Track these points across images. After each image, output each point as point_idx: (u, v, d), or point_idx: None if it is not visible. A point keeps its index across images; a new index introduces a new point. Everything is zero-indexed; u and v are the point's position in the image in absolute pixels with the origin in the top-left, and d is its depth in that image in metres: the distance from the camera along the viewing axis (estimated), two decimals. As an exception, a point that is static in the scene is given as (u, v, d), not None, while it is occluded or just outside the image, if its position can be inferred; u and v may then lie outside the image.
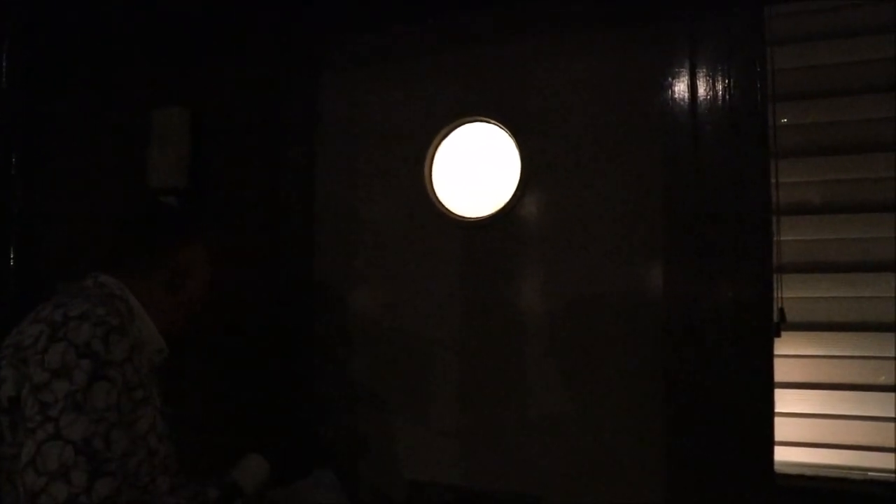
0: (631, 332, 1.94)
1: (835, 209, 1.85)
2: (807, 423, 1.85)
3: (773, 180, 1.84)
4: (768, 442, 1.79)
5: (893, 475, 1.76)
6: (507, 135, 2.10)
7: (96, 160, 2.21)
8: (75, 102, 2.22)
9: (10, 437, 1.30)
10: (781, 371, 1.83)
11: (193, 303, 1.61)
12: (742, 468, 1.80)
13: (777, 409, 1.81)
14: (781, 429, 1.82)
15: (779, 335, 1.81)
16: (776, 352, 1.81)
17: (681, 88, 1.93)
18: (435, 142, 2.17)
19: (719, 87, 1.88)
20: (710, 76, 1.90)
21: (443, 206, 2.16)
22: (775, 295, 1.82)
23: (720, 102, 1.88)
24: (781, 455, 1.82)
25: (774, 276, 1.82)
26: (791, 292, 1.83)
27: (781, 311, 1.82)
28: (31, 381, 1.27)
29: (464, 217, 2.14)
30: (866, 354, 1.82)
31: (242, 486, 1.66)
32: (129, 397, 1.31)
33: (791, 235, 1.86)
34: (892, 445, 1.77)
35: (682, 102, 1.92)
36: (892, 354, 1.78)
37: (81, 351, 1.27)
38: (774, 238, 1.83)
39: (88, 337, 1.29)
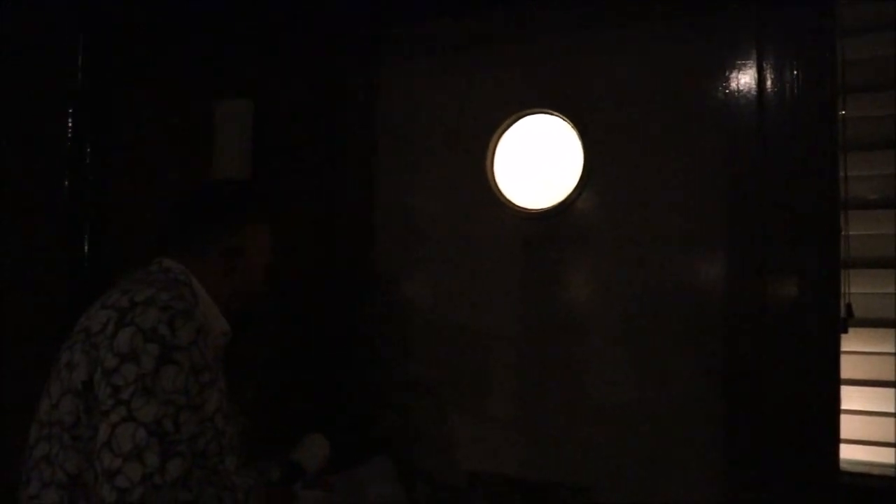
0: (692, 325, 1.93)
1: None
2: (873, 421, 1.82)
3: (841, 173, 1.81)
4: (833, 439, 1.77)
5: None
6: (570, 127, 2.10)
7: (164, 150, 2.25)
8: (144, 93, 2.27)
9: (85, 420, 1.34)
10: (847, 368, 1.80)
11: (250, 285, 1.60)
12: (805, 465, 1.78)
13: (843, 407, 1.78)
14: (846, 426, 1.79)
15: (845, 331, 1.79)
16: (842, 348, 1.79)
17: (746, 79, 1.91)
18: (497, 133, 2.18)
19: (786, 78, 1.86)
20: (777, 67, 1.88)
21: (504, 197, 2.17)
22: (842, 290, 1.79)
23: (787, 94, 1.86)
24: (846, 453, 1.79)
25: (842, 271, 1.79)
26: (858, 288, 1.80)
27: (849, 306, 1.79)
28: (102, 366, 1.31)
29: (525, 209, 2.14)
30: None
31: (304, 465, 1.67)
32: (196, 380, 1.33)
33: (859, 230, 1.83)
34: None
35: (747, 93, 1.91)
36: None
37: (149, 335, 1.30)
38: (842, 232, 1.80)
39: (155, 322, 1.32)
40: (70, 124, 2.06)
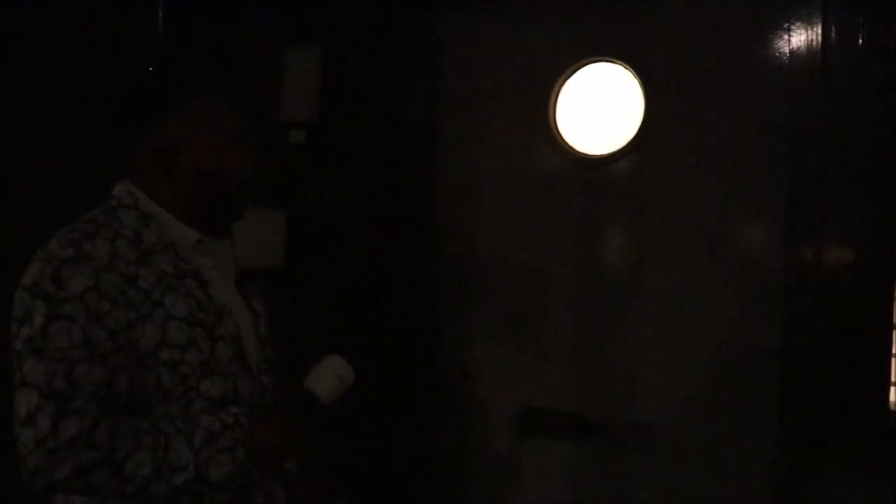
0: (748, 272, 2.00)
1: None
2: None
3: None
4: (885, 380, 1.84)
5: None
6: (632, 76, 2.15)
7: (235, 94, 2.33)
8: (219, 40, 2.35)
9: None
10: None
11: (209, 171, 1.44)
12: (857, 403, 1.86)
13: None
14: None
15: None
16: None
17: (810, 33, 1.93)
18: (559, 81, 2.23)
19: (852, 33, 1.88)
20: (842, 21, 1.89)
21: (566, 143, 2.23)
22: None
23: (852, 50, 1.88)
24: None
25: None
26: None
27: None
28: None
29: (586, 154, 2.20)
30: None
31: (318, 394, 1.44)
32: (102, 326, 1.27)
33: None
34: None
35: (811, 47, 1.93)
36: None
37: (34, 293, 1.27)
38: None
39: (38, 276, 1.28)
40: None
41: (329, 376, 1.45)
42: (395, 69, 2.38)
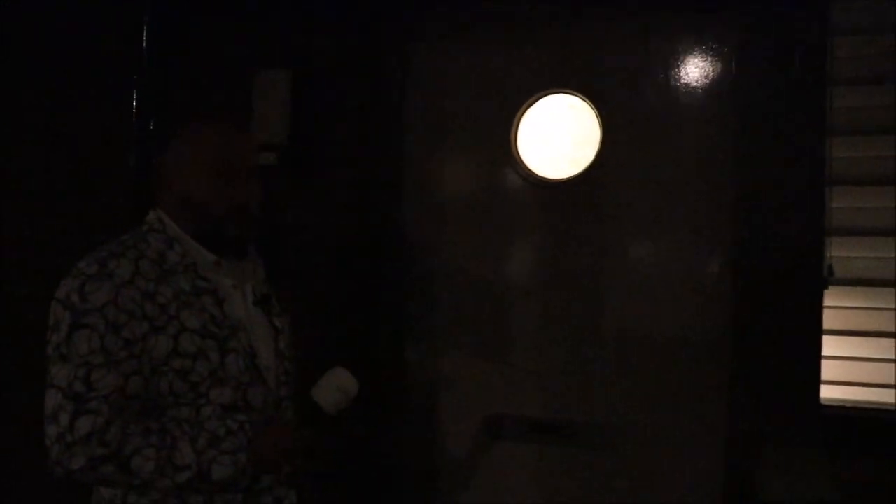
0: (698, 283, 2.23)
1: (882, 181, 2.14)
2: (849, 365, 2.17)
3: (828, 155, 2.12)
4: (817, 378, 2.10)
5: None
6: (588, 106, 2.35)
7: (208, 115, 2.40)
8: (192, 63, 2.42)
9: None
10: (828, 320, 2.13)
11: (191, 201, 1.58)
12: (793, 398, 2.11)
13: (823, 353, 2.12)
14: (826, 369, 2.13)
15: (826, 288, 2.12)
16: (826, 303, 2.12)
17: (751, 68, 2.17)
18: (521, 109, 2.41)
19: (786, 70, 2.13)
20: (776, 59, 2.15)
21: (527, 167, 2.40)
22: (826, 254, 2.11)
23: (786, 85, 2.14)
24: (825, 392, 2.13)
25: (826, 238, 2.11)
26: (837, 252, 2.13)
27: (829, 267, 2.11)
28: None
29: (547, 178, 2.39)
30: None
31: (322, 405, 1.53)
32: (118, 336, 1.41)
33: (840, 203, 2.15)
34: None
35: (752, 82, 2.17)
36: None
37: (63, 304, 1.44)
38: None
39: (67, 290, 1.44)
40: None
41: (333, 388, 1.54)
42: (363, 93, 2.49)
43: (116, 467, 1.39)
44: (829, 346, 2.13)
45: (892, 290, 2.12)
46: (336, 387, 1.55)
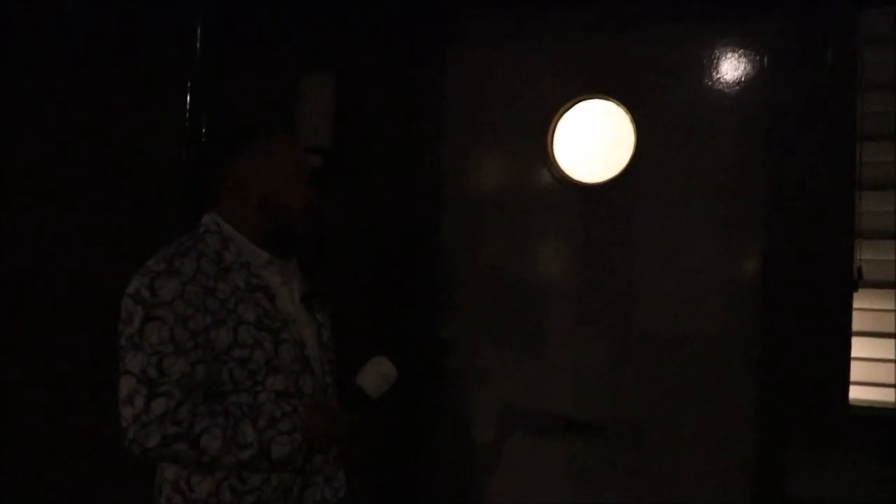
0: (729, 285, 2.28)
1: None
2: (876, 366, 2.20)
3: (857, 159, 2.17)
4: (846, 380, 2.14)
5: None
6: (623, 111, 2.42)
7: (256, 120, 2.51)
8: (243, 69, 2.52)
9: None
10: (857, 321, 2.17)
11: (270, 202, 1.73)
12: (822, 399, 2.15)
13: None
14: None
15: (856, 290, 2.16)
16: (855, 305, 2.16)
17: (783, 74, 2.22)
18: (557, 114, 2.48)
19: (817, 76, 2.19)
20: (808, 65, 2.20)
21: (563, 171, 2.48)
22: (855, 256, 2.16)
23: (817, 91, 2.19)
24: (854, 393, 2.17)
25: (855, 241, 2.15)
26: (867, 255, 2.17)
27: (859, 269, 2.15)
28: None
29: (581, 181, 2.46)
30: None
31: (367, 390, 1.68)
32: (186, 327, 1.54)
33: (870, 207, 2.19)
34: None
35: (783, 87, 2.22)
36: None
37: (135, 299, 1.55)
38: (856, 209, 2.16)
39: (138, 286, 1.56)
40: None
41: (376, 374, 1.70)
42: (404, 97, 2.58)
43: (188, 445, 1.52)
44: (858, 347, 2.17)
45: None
46: (379, 373, 1.70)
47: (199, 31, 2.32)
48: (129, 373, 1.52)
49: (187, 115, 2.36)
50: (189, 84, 2.34)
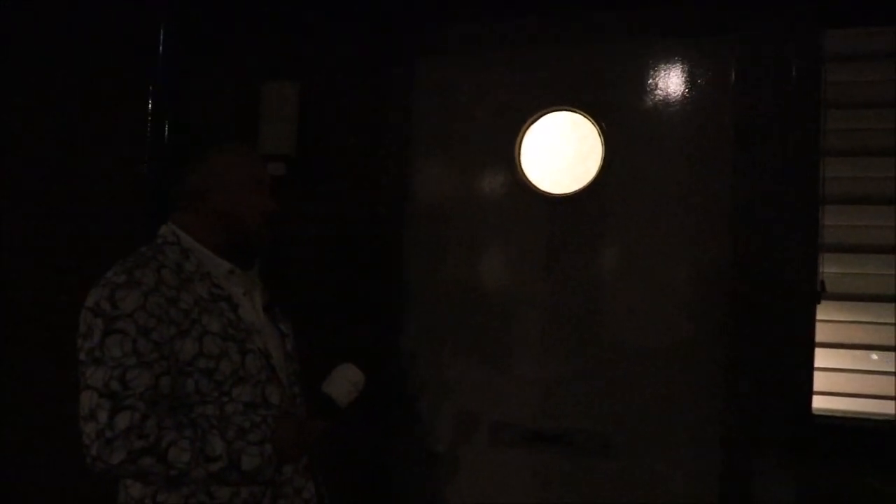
0: (696, 297, 2.31)
1: (871, 201, 2.24)
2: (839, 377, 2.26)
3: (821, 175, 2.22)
4: (810, 389, 2.19)
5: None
6: (591, 123, 2.43)
7: (218, 126, 2.45)
8: (206, 75, 2.46)
9: None
10: (820, 333, 2.22)
11: (227, 213, 1.71)
12: (786, 408, 2.19)
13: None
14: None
15: (819, 302, 2.21)
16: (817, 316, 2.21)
17: (749, 89, 2.26)
18: (525, 125, 2.48)
19: (782, 92, 2.23)
20: (772, 83, 2.24)
21: (530, 182, 2.47)
22: (819, 269, 2.21)
23: (782, 106, 2.23)
24: (817, 403, 2.23)
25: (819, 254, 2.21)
26: (829, 268, 2.22)
27: (822, 282, 2.21)
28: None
29: (549, 193, 2.46)
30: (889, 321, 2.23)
31: (335, 398, 1.66)
32: (148, 338, 1.50)
33: (833, 221, 2.24)
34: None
35: (749, 102, 2.26)
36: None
37: (95, 312, 1.52)
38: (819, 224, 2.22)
39: (97, 298, 1.53)
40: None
41: (344, 381, 1.68)
42: (369, 106, 2.55)
43: (155, 459, 1.46)
44: (821, 358, 2.22)
45: (882, 305, 2.22)
46: (346, 380, 1.68)
47: (161, 37, 2.24)
48: (91, 388, 1.47)
49: (148, 122, 2.28)
50: (150, 89, 2.27)
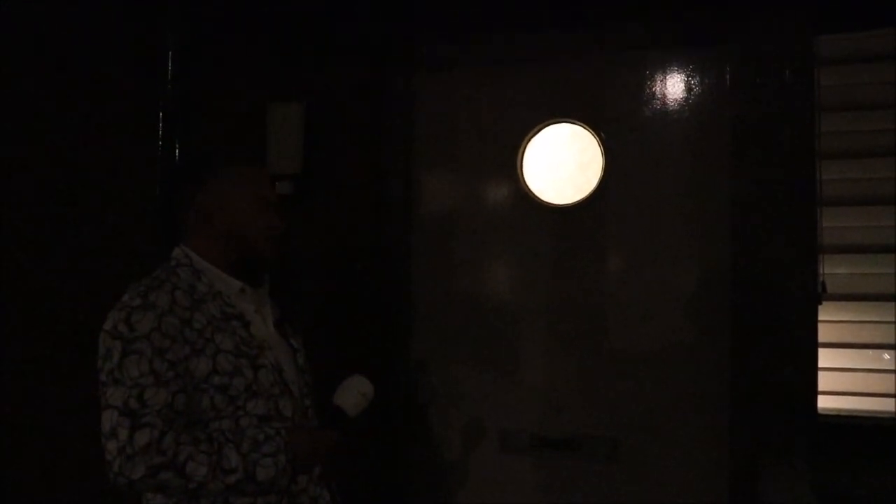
0: (699, 301, 2.34)
1: (868, 202, 2.27)
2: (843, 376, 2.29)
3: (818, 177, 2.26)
4: (814, 390, 2.22)
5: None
6: (591, 134, 2.48)
7: (225, 147, 2.50)
8: (214, 97, 2.52)
9: None
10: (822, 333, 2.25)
11: (239, 236, 1.75)
12: (791, 408, 2.22)
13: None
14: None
15: (820, 303, 2.24)
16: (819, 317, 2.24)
17: (745, 96, 2.30)
18: (526, 137, 2.53)
19: (775, 96, 2.27)
20: (768, 89, 2.28)
21: (533, 193, 2.52)
22: (819, 271, 2.24)
23: (778, 111, 2.27)
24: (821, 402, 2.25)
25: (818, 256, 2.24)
26: (830, 269, 2.26)
27: (823, 283, 2.24)
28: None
29: (551, 203, 2.51)
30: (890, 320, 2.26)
31: (345, 409, 1.72)
32: (164, 358, 1.56)
33: (831, 223, 2.28)
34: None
35: (745, 108, 2.30)
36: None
37: (112, 334, 1.58)
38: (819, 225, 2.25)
39: (115, 322, 1.59)
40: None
41: (354, 393, 1.75)
42: (372, 122, 2.61)
43: (174, 473, 1.52)
44: (824, 358, 2.25)
45: (883, 304, 2.25)
46: (356, 391, 1.75)
47: (169, 59, 2.31)
48: (112, 406, 1.53)
49: (160, 144, 2.35)
50: (161, 113, 2.33)
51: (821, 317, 2.25)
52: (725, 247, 2.32)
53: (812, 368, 2.23)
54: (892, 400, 2.23)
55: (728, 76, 2.35)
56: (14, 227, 2.73)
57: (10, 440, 2.73)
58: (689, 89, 2.39)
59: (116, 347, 1.56)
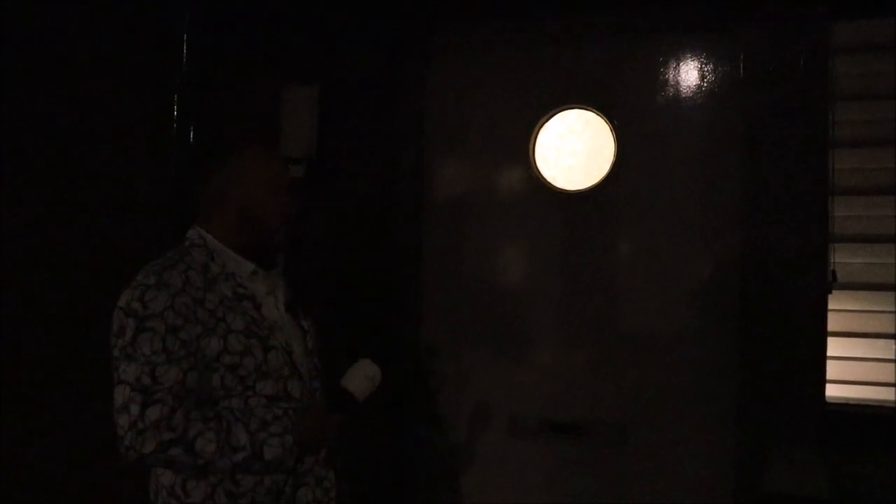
0: (709, 289, 2.35)
1: (881, 192, 2.26)
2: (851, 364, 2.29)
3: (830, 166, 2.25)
4: (822, 378, 2.22)
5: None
6: (603, 121, 2.48)
7: (240, 130, 2.53)
8: (228, 80, 2.54)
9: None
10: (832, 322, 2.25)
11: (249, 214, 1.76)
12: (799, 396, 2.22)
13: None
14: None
15: (830, 292, 2.24)
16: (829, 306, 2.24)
17: (758, 83, 2.29)
18: (539, 124, 2.54)
19: (791, 85, 2.26)
20: (781, 76, 2.27)
21: (545, 179, 2.53)
22: (830, 260, 2.24)
23: (791, 99, 2.26)
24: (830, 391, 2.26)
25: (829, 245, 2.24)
26: (840, 258, 2.25)
27: (833, 272, 2.24)
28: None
29: (563, 189, 2.51)
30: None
31: (353, 392, 1.74)
32: (176, 337, 1.58)
33: (842, 213, 2.27)
34: None
35: (758, 96, 2.30)
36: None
37: (126, 312, 1.61)
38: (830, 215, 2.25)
39: (129, 299, 1.61)
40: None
41: (361, 376, 1.77)
42: (385, 106, 2.63)
43: (183, 449, 1.56)
44: (833, 347, 2.25)
45: (892, 293, 2.24)
46: (364, 375, 1.77)
47: (184, 43, 2.33)
48: (124, 382, 1.56)
49: (174, 126, 2.37)
50: (176, 96, 2.36)
51: (830, 306, 2.24)
52: (736, 234, 2.32)
53: (821, 357, 2.23)
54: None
55: (742, 63, 2.34)
56: (27, 205, 2.76)
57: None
58: (702, 76, 2.39)
59: (130, 324, 1.59)
